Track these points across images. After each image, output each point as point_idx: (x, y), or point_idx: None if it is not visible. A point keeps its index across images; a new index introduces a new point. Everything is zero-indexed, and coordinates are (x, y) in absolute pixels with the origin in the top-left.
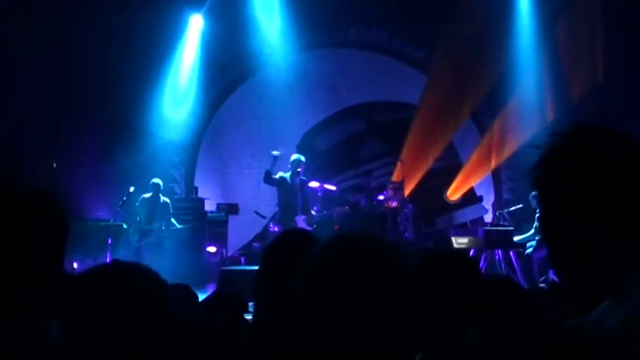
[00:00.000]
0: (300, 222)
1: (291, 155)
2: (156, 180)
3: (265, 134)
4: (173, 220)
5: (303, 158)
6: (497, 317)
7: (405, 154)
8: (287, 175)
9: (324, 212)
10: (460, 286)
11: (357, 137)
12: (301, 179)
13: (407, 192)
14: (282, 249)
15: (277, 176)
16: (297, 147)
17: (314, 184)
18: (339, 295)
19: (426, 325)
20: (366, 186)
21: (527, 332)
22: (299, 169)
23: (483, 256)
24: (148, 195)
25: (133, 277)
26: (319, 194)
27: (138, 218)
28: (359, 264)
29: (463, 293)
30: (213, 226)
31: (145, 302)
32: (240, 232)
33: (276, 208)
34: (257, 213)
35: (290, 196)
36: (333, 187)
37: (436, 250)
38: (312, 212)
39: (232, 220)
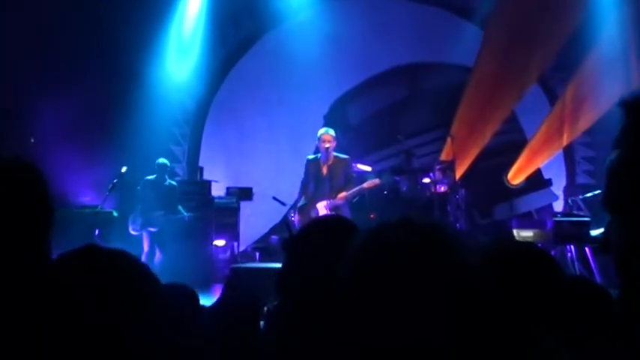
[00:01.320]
0: (322, 209)
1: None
2: (162, 160)
3: (286, 103)
4: (180, 207)
5: (332, 132)
6: (578, 328)
7: (456, 127)
8: (312, 157)
9: (357, 197)
10: (535, 290)
11: (397, 107)
12: (335, 156)
13: (458, 174)
14: (318, 238)
15: (305, 167)
16: (324, 118)
17: None
18: (394, 290)
19: (493, 332)
20: (409, 167)
21: (615, 348)
22: (327, 145)
23: (552, 252)
24: (151, 177)
25: (110, 267)
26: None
27: (139, 206)
28: (421, 258)
29: (538, 298)
30: (221, 215)
31: (126, 296)
32: (255, 222)
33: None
34: (275, 199)
35: (314, 180)
36: (368, 168)
37: (504, 243)
38: (341, 195)
39: (245, 207)
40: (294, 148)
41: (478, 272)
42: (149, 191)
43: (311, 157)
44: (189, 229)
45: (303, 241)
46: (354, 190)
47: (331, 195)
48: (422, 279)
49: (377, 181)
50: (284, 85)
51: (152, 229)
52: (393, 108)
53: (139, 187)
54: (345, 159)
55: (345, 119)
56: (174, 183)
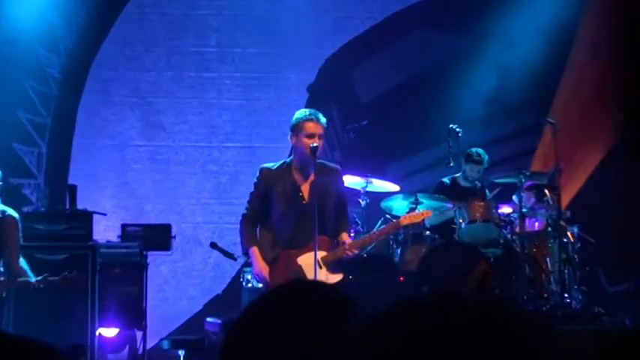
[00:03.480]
0: (309, 268)
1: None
2: None
3: (235, 69)
4: (23, 261)
5: (323, 119)
6: None
7: (559, 111)
8: (275, 165)
9: (370, 247)
10: None
11: (442, 72)
12: (323, 165)
13: (567, 199)
14: (286, 327)
15: (257, 180)
16: (310, 91)
17: (346, 179)
18: None
19: None
20: (468, 184)
21: None
22: (316, 143)
23: None
24: None
25: None
26: (360, 203)
27: None
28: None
29: None
30: (112, 278)
31: None
32: (177, 291)
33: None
34: (217, 247)
35: (289, 209)
36: (393, 187)
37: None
38: (345, 241)
39: (158, 262)
40: (250, 153)
41: None
42: None
43: (270, 165)
44: (45, 305)
45: (258, 335)
46: (378, 231)
47: (327, 240)
48: None
49: (429, 212)
50: (229, 41)
51: None
52: (435, 74)
53: None
54: (334, 170)
55: (350, 94)
56: (14, 215)
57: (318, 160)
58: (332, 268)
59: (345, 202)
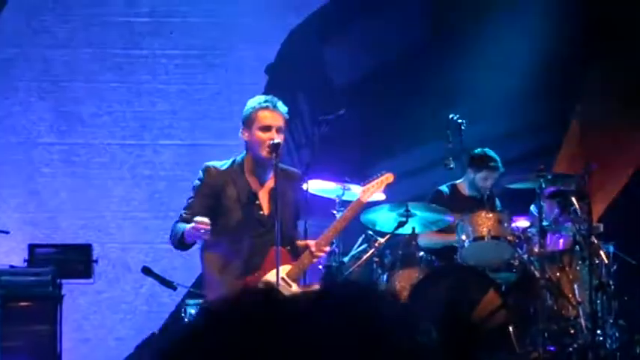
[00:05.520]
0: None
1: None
2: None
3: (183, 45)
4: None
5: (283, 108)
6: None
7: (588, 99)
8: (226, 165)
9: (348, 271)
10: None
11: (440, 48)
12: (282, 169)
13: (599, 207)
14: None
15: (200, 181)
16: (268, 72)
17: (317, 185)
18: None
19: None
20: (474, 193)
21: None
22: (276, 137)
23: None
24: None
25: None
26: (335, 215)
27: None
28: None
29: None
30: (17, 314)
31: None
32: (101, 329)
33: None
34: (150, 273)
35: (243, 221)
36: (378, 195)
37: None
38: (308, 245)
39: (75, 294)
40: (193, 152)
41: None
42: None
43: (219, 164)
44: None
45: None
46: (340, 218)
47: (285, 251)
48: None
49: (389, 175)
50: (165, 9)
51: None
52: (430, 50)
53: None
54: (295, 175)
55: (321, 76)
56: None
57: (280, 165)
58: (303, 280)
59: (299, 215)
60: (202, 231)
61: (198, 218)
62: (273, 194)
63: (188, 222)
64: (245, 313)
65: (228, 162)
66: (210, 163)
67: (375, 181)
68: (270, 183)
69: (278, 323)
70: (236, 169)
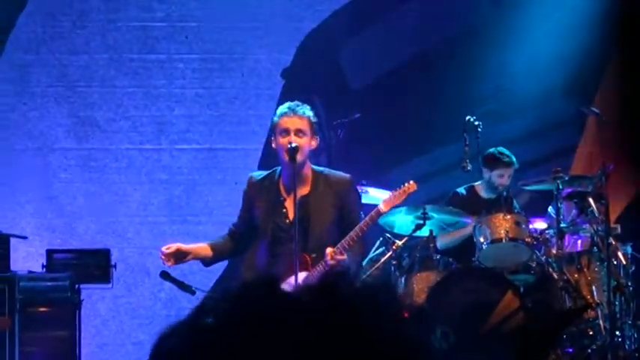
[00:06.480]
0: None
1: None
2: None
3: (199, 49)
4: None
5: (307, 111)
6: None
7: (605, 101)
8: (261, 175)
9: (366, 274)
10: None
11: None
12: (316, 172)
13: (617, 209)
14: None
15: (243, 192)
16: (284, 76)
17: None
18: None
19: None
20: (491, 193)
21: None
22: (292, 144)
23: None
24: None
25: None
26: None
27: None
28: None
29: None
30: (36, 320)
31: None
32: (120, 334)
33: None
34: (169, 278)
35: (267, 230)
36: (401, 192)
37: None
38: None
39: (94, 299)
40: (211, 157)
41: None
42: None
43: (258, 174)
44: None
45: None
46: (358, 228)
47: (308, 258)
48: None
49: (412, 184)
50: (181, 13)
51: None
52: (446, 51)
53: None
54: (341, 181)
55: (337, 79)
56: None
57: (318, 168)
58: None
59: (354, 219)
60: (163, 258)
61: (163, 248)
62: (300, 201)
63: (231, 234)
64: (245, 306)
65: (269, 172)
66: (252, 174)
67: (398, 191)
68: (301, 190)
69: (277, 316)
70: (272, 178)
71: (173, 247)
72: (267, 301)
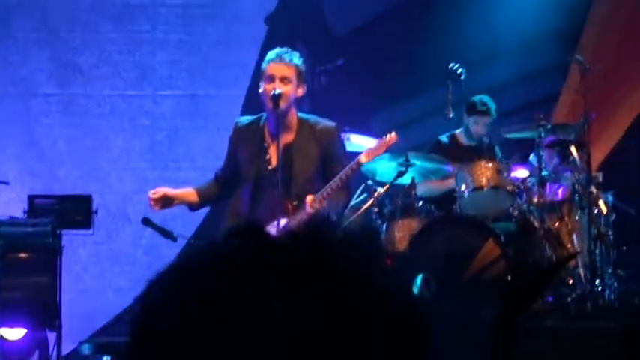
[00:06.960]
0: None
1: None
2: None
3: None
4: None
5: (294, 58)
6: None
7: (590, 49)
8: (247, 120)
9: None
10: None
11: None
12: (301, 119)
13: (599, 156)
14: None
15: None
16: (267, 22)
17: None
18: None
19: None
20: (472, 139)
21: None
22: (275, 90)
23: None
24: None
25: None
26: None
27: None
28: None
29: None
30: (17, 265)
31: None
32: (101, 280)
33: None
34: (150, 224)
35: (250, 176)
36: (382, 143)
37: None
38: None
39: (76, 244)
40: (193, 103)
41: None
42: None
43: (244, 119)
44: None
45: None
46: (336, 180)
47: (290, 206)
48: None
49: (393, 136)
50: None
51: None
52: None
53: None
54: (326, 130)
55: (320, 25)
56: None
57: (304, 115)
58: None
59: (337, 168)
60: (151, 203)
61: (150, 192)
62: (283, 149)
63: (216, 179)
64: (231, 253)
65: (255, 117)
66: (237, 119)
67: (379, 143)
68: (285, 137)
69: (264, 263)
70: (257, 123)
71: (160, 191)
72: (254, 248)
